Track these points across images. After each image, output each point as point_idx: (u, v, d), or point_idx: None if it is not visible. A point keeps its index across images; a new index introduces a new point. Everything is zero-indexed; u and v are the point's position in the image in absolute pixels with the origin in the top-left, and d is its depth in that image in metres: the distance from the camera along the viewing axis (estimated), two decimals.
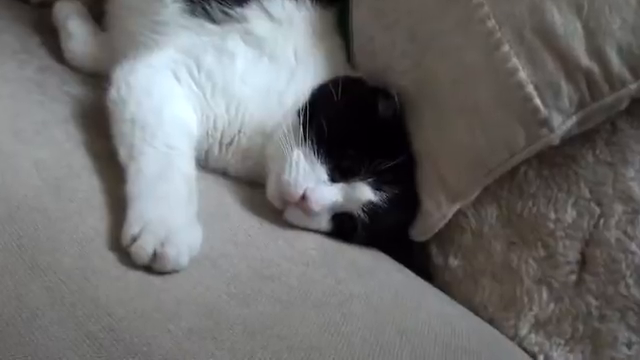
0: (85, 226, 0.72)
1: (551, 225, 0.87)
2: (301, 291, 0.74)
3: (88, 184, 0.78)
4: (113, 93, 0.88)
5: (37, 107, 0.88)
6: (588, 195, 0.87)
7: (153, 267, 0.72)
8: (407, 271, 0.88)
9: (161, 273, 0.71)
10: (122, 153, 0.82)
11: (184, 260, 0.72)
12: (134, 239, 0.72)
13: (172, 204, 0.78)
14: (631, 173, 0.86)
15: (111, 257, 0.71)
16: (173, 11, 0.95)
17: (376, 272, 0.84)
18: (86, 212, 0.74)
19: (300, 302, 0.72)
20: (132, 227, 0.73)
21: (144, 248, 0.71)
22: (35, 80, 0.94)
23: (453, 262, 0.92)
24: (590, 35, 0.80)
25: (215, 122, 0.89)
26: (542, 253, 0.88)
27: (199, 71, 0.90)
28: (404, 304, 0.80)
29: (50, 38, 1.06)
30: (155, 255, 0.71)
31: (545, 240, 0.87)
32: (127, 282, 0.68)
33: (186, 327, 0.65)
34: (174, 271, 0.72)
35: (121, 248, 0.72)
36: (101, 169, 0.80)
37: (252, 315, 0.68)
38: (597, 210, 0.86)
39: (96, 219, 0.73)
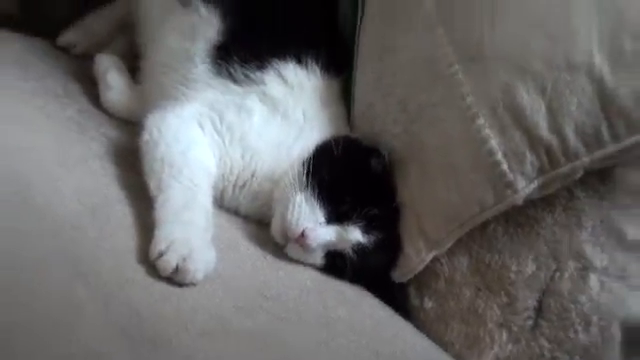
0: (119, 243, 0.84)
1: (513, 276, 0.98)
2: (295, 311, 0.87)
3: (121, 210, 0.91)
4: (146, 136, 1.01)
5: (77, 143, 1.01)
6: (546, 252, 0.98)
7: (174, 278, 0.84)
8: (388, 308, 0.98)
9: (180, 285, 0.83)
10: (152, 186, 0.95)
11: (200, 275, 0.85)
12: (160, 254, 0.84)
13: (193, 229, 0.90)
14: (584, 235, 0.97)
15: (140, 269, 0.83)
16: (202, 71, 1.08)
17: (361, 304, 0.96)
18: (119, 232, 0.87)
19: (294, 319, 0.85)
20: (160, 244, 0.85)
21: (169, 262, 0.84)
22: (75, 120, 1.06)
23: (427, 304, 1.02)
24: (551, 114, 0.92)
25: (231, 167, 1.02)
26: (504, 300, 0.98)
27: (221, 123, 1.04)
28: (383, 332, 0.92)
29: (89, 86, 1.17)
30: (177, 269, 0.84)
31: (507, 289, 0.98)
32: (153, 290, 0.81)
33: (200, 329, 0.77)
34: (191, 284, 0.84)
35: (149, 262, 0.84)
36: (132, 199, 0.92)
37: (254, 325, 0.81)
38: (553, 265, 0.97)
39: (128, 238, 0.86)
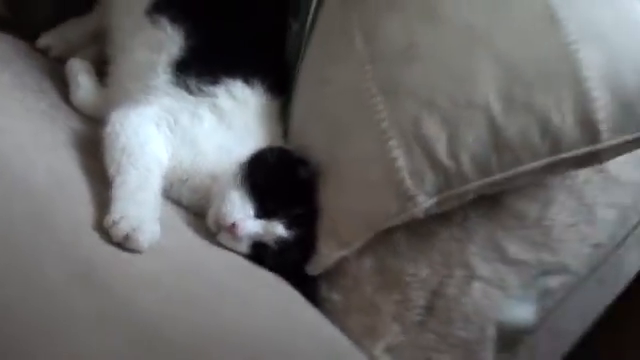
0: (81, 212, 1.00)
1: (409, 278, 1.13)
2: (220, 276, 1.04)
3: (84, 188, 1.06)
4: (109, 128, 1.15)
5: (48, 132, 1.16)
6: (440, 260, 1.13)
7: (124, 244, 0.98)
8: (300, 295, 1.13)
9: (128, 250, 0.98)
10: (111, 170, 1.09)
11: (146, 244, 0.99)
12: (114, 223, 0.99)
13: (144, 206, 1.04)
14: (473, 249, 1.13)
15: (95, 233, 0.98)
16: (163, 80, 1.23)
17: (278, 287, 1.12)
18: (82, 204, 1.02)
19: (215, 290, 1.00)
20: (114, 215, 1.00)
21: (122, 230, 0.98)
22: (48, 113, 1.21)
23: (334, 296, 1.16)
24: (451, 143, 1.05)
25: (180, 162, 1.18)
26: (399, 297, 1.13)
27: (175, 125, 1.19)
28: (296, 313, 1.08)
29: (61, 84, 1.31)
30: (127, 237, 0.98)
31: (403, 289, 1.13)
32: (104, 249, 0.96)
33: (138, 281, 0.93)
34: (137, 251, 0.98)
35: (103, 228, 0.99)
36: (93, 180, 1.08)
37: (180, 284, 0.96)
38: (444, 272, 1.13)
39: (88, 209, 1.01)
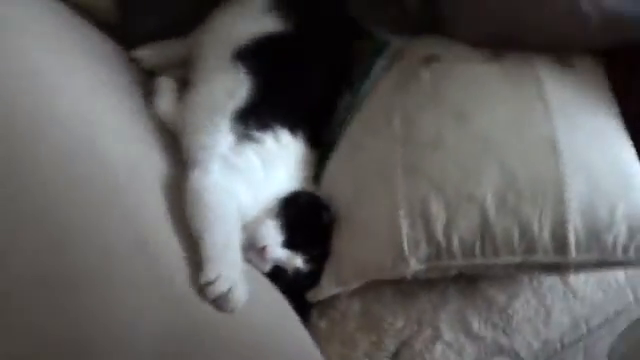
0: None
1: (386, 326, 1.30)
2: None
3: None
4: (191, 185, 1.27)
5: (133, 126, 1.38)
6: (414, 317, 1.30)
7: (219, 302, 1.11)
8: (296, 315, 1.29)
9: (221, 309, 1.12)
10: (197, 225, 1.20)
11: (240, 304, 1.13)
12: (210, 283, 1.11)
13: (235, 267, 1.18)
14: (443, 317, 1.31)
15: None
16: (226, 121, 1.38)
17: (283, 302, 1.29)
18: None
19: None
20: (210, 275, 1.12)
21: (217, 290, 1.11)
22: (133, 110, 1.41)
23: (322, 324, 1.32)
24: (448, 224, 1.24)
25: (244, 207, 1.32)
26: (375, 339, 1.30)
27: (238, 175, 1.34)
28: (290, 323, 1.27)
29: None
30: (223, 296, 1.11)
31: (379, 332, 1.30)
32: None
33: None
34: (232, 309, 1.13)
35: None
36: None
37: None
38: (415, 327, 1.30)
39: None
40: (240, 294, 1.13)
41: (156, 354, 0.97)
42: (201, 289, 1.11)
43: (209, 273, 1.13)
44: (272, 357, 1.12)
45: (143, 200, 1.20)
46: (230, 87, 1.40)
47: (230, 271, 1.15)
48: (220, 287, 1.11)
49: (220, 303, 1.11)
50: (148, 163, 1.31)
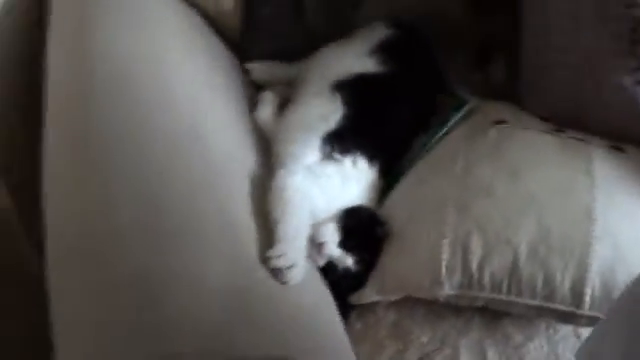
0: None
1: (413, 338, 1.43)
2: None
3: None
4: (277, 182, 1.46)
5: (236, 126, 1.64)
6: (439, 337, 1.43)
7: (277, 274, 1.27)
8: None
9: (278, 279, 1.27)
10: (276, 214, 1.39)
11: (294, 281, 1.29)
12: (275, 258, 1.28)
13: (299, 252, 1.36)
14: (464, 342, 1.43)
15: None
16: (317, 141, 1.56)
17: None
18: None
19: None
20: (276, 251, 1.30)
21: (279, 264, 1.28)
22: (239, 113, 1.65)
23: (357, 324, 1.46)
24: (483, 259, 1.38)
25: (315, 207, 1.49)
26: (401, 347, 1.41)
27: (319, 183, 1.52)
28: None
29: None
30: (281, 271, 1.27)
31: (406, 343, 1.42)
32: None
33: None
34: (285, 282, 1.28)
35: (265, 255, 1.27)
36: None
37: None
38: (438, 345, 1.43)
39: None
40: (297, 273, 1.30)
41: (220, 299, 1.17)
42: (266, 259, 1.28)
43: (277, 249, 1.31)
44: (310, 335, 1.27)
45: (232, 187, 1.41)
46: (325, 112, 1.60)
47: (294, 254, 1.32)
48: (282, 262, 1.28)
49: (279, 274, 1.28)
50: (241, 158, 1.54)
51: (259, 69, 1.82)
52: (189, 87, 1.52)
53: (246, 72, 1.80)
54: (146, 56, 1.51)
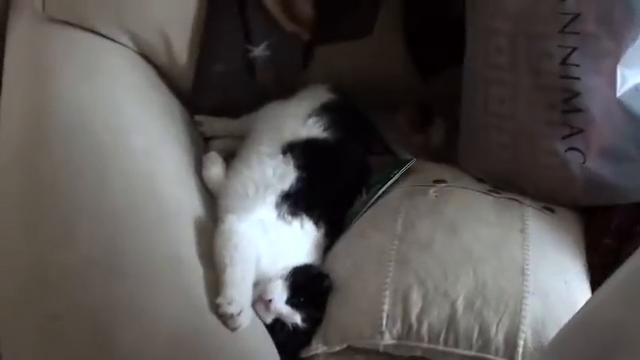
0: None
1: None
2: None
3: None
4: (225, 227, 1.51)
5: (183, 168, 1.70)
6: None
7: (228, 321, 1.32)
8: None
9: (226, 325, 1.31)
10: (224, 259, 1.42)
11: (244, 325, 1.34)
12: (224, 305, 1.32)
13: (246, 296, 1.39)
14: None
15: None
16: (270, 200, 1.61)
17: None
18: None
19: None
20: (226, 298, 1.33)
21: (229, 311, 1.31)
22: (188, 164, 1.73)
23: None
24: (421, 312, 1.42)
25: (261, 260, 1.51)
26: None
27: (266, 234, 1.55)
28: None
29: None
30: (232, 317, 1.31)
31: None
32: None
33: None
34: (234, 329, 1.32)
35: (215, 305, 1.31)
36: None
37: None
38: None
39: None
40: (244, 319, 1.33)
41: (168, 339, 1.22)
42: (216, 306, 1.32)
43: (226, 296, 1.34)
44: None
45: (184, 230, 1.47)
46: (280, 173, 1.66)
47: (242, 299, 1.35)
48: (232, 309, 1.31)
49: (227, 321, 1.31)
50: (192, 207, 1.59)
51: (207, 122, 1.89)
52: (144, 138, 1.58)
53: (196, 124, 1.87)
54: (102, 106, 1.57)
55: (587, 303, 1.01)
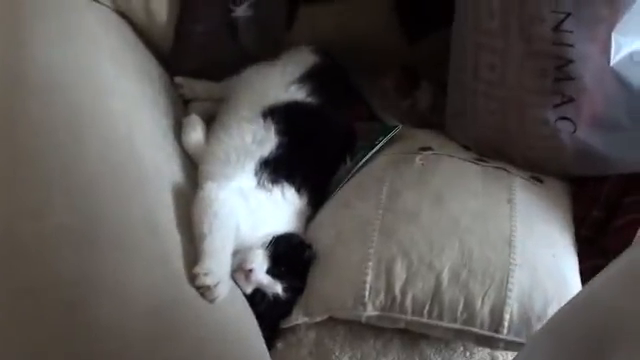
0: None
1: (333, 357, 1.44)
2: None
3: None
4: (204, 194, 1.46)
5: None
6: (359, 357, 1.45)
7: (204, 292, 1.27)
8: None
9: (204, 296, 1.27)
10: (203, 228, 1.38)
11: (221, 297, 1.29)
12: (201, 275, 1.27)
13: (224, 266, 1.35)
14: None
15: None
16: (250, 166, 1.57)
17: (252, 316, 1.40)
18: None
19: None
20: (202, 268, 1.28)
21: (206, 282, 1.27)
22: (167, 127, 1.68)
23: (279, 344, 1.46)
24: (407, 282, 1.41)
25: (240, 228, 1.47)
26: None
27: (246, 202, 1.52)
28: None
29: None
30: (209, 288, 1.26)
31: None
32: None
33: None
34: (212, 300, 1.27)
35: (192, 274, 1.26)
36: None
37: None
38: None
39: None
40: (222, 290, 1.30)
41: (145, 309, 1.17)
42: (193, 277, 1.28)
43: (203, 266, 1.30)
44: (231, 352, 1.28)
45: (161, 194, 1.42)
46: (260, 139, 1.61)
47: (220, 270, 1.32)
48: (209, 280, 1.28)
49: (204, 292, 1.28)
50: (170, 170, 1.54)
51: (187, 85, 1.84)
52: (123, 100, 1.53)
53: (175, 86, 1.82)
54: (80, 67, 1.51)
55: (587, 287, 0.98)
